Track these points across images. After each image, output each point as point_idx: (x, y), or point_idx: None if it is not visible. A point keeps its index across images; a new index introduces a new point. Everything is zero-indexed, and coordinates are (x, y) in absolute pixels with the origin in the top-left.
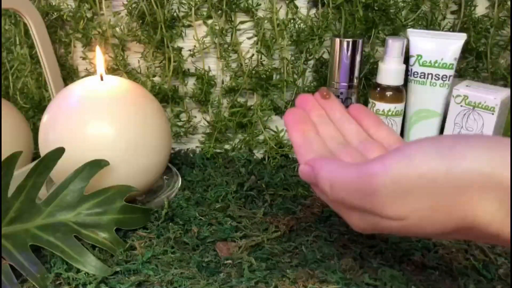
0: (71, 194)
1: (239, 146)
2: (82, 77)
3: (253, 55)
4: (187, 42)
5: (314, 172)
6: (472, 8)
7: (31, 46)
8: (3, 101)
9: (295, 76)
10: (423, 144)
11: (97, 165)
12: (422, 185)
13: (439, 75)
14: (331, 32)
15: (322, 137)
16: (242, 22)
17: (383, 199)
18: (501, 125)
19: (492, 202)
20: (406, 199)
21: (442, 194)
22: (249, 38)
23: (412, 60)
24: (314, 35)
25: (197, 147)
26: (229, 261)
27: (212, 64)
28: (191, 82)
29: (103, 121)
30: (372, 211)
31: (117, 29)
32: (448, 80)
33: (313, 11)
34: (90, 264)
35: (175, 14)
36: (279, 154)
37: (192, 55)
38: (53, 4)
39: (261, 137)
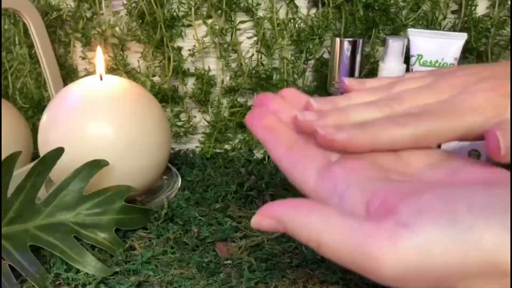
0: (70, 194)
1: (239, 146)
2: (82, 77)
3: (253, 55)
4: (187, 42)
5: (284, 225)
6: (473, 7)
7: (31, 46)
8: (3, 101)
9: (295, 76)
10: (438, 221)
11: (97, 165)
12: (433, 276)
13: None
14: (331, 31)
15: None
16: (242, 22)
17: (386, 281)
18: None
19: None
20: (412, 282)
21: (449, 280)
22: (249, 38)
23: (412, 60)
24: (314, 35)
25: (197, 147)
26: (229, 262)
27: (212, 64)
28: (191, 82)
29: (102, 121)
30: (368, 278)
31: (117, 28)
32: None
33: (313, 10)
34: (90, 265)
35: (174, 13)
36: None
37: (192, 55)
38: (53, 3)
39: None
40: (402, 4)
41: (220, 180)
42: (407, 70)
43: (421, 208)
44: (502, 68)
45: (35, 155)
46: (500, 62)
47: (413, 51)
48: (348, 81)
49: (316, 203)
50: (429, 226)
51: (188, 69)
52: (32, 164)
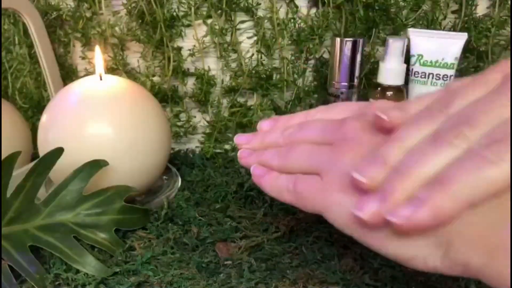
0: (70, 194)
1: None
2: (81, 77)
3: (253, 54)
4: (187, 42)
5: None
6: (473, 7)
7: (30, 46)
8: (3, 101)
9: (295, 76)
10: None
11: (97, 165)
12: None
13: (440, 75)
14: (331, 31)
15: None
16: (242, 22)
17: None
18: None
19: None
20: None
21: None
22: (249, 38)
23: (413, 60)
24: (315, 35)
25: (196, 147)
26: (229, 262)
27: (212, 64)
28: (190, 82)
29: (102, 121)
30: None
31: (117, 28)
32: (449, 80)
33: (314, 10)
34: (89, 265)
35: (174, 13)
36: None
37: (191, 55)
38: (52, 3)
39: None
40: (402, 4)
41: (220, 180)
42: (408, 70)
43: None
44: None
45: (35, 155)
46: None
47: (414, 51)
48: (386, 116)
49: None
50: None
51: (188, 69)
52: (32, 164)
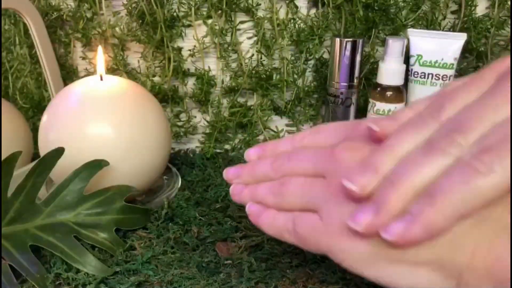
0: (70, 194)
1: (239, 146)
2: (82, 77)
3: (253, 55)
4: (187, 42)
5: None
6: (473, 8)
7: (31, 46)
8: (3, 101)
9: (295, 76)
10: None
11: (97, 165)
12: None
13: (439, 75)
14: (331, 32)
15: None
16: (242, 22)
17: None
18: None
19: None
20: None
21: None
22: (249, 38)
23: (412, 60)
24: (314, 35)
25: (197, 147)
26: (229, 261)
27: (212, 64)
28: (191, 82)
29: (103, 121)
30: None
31: (117, 29)
32: (449, 80)
33: (313, 11)
34: (90, 264)
35: (175, 14)
36: None
37: (192, 55)
38: (53, 4)
39: (261, 137)
40: (402, 4)
41: (220, 180)
42: (407, 70)
43: None
44: None
45: (35, 155)
46: None
47: (413, 51)
48: (376, 126)
49: None
50: None
51: (188, 69)
52: (32, 164)
